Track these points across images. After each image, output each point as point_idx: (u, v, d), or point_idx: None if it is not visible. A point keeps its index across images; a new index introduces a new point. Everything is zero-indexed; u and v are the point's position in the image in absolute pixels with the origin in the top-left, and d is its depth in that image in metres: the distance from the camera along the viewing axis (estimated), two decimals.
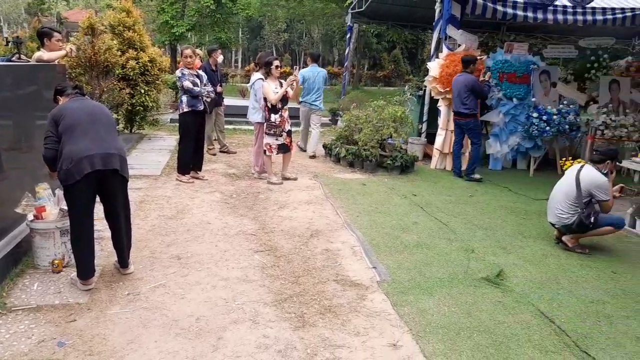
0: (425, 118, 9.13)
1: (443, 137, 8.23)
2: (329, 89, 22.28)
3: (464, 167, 7.97)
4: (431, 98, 8.75)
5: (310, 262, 4.29)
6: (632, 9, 8.56)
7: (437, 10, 8.46)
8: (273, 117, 6.64)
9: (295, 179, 7.07)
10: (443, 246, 4.82)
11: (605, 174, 4.75)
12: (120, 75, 8.76)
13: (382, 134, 7.92)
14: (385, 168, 7.80)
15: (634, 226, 5.46)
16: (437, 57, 8.46)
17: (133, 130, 9.98)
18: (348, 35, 14.48)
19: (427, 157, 8.82)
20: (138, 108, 9.28)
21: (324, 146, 8.86)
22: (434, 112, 8.73)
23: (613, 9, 8.66)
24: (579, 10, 8.51)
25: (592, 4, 8.48)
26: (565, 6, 8.44)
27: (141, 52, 9.14)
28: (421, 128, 9.24)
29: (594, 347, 3.18)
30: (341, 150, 8.18)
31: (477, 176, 7.54)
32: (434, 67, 8.30)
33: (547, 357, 3.05)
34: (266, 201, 6.04)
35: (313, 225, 5.24)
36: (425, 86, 8.82)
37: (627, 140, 7.65)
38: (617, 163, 4.90)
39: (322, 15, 27.08)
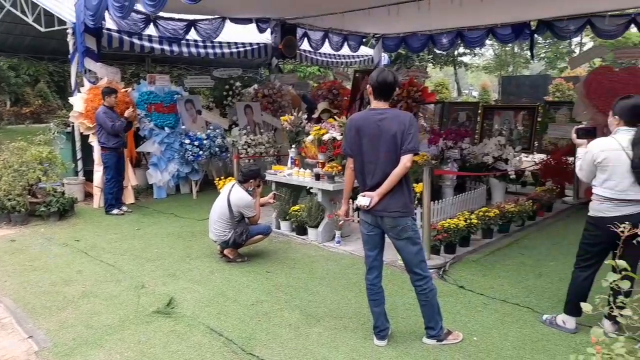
0: (79, 155, 8.53)
1: (101, 174, 7.85)
2: None
3: (129, 200, 7.86)
4: (81, 133, 8.23)
5: None
6: (251, 44, 10.08)
7: (71, 43, 8.02)
8: None
9: None
10: (112, 289, 4.61)
11: (253, 190, 5.42)
12: None
13: (28, 178, 7.03)
14: (40, 216, 6.97)
15: (279, 227, 6.43)
16: (79, 91, 8.02)
17: None
18: None
19: (90, 196, 8.27)
20: None
21: None
22: (88, 148, 8.24)
23: (236, 43, 10.00)
24: (209, 44, 9.51)
25: (219, 39, 9.58)
26: (196, 40, 9.27)
27: None
28: (76, 167, 8.59)
29: (258, 346, 3.58)
30: None
31: (115, 211, 7.47)
32: (78, 101, 7.84)
33: None
34: None
35: None
36: (73, 122, 8.25)
37: (266, 155, 8.96)
38: (262, 179, 5.63)
39: None
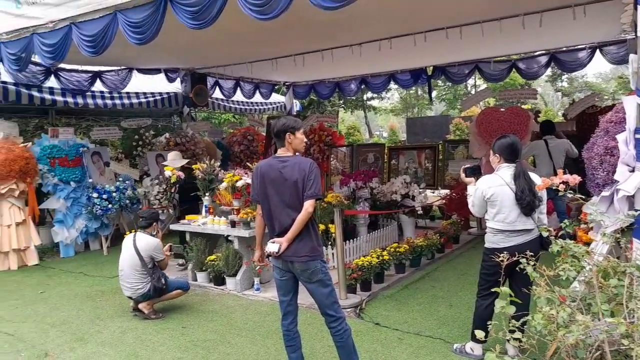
0: None
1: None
2: None
3: (32, 261, 7.32)
4: None
5: None
6: (160, 93, 9.99)
7: None
8: None
9: None
10: None
11: (155, 234, 5.31)
12: None
13: None
14: None
15: (195, 279, 6.27)
16: None
17: None
18: None
19: None
20: None
21: None
22: None
23: (145, 93, 9.87)
24: (116, 94, 9.31)
25: (127, 89, 9.42)
26: (102, 91, 9.05)
27: None
28: None
29: None
30: None
31: None
32: None
33: None
34: None
35: None
36: None
37: None
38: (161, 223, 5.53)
39: None
